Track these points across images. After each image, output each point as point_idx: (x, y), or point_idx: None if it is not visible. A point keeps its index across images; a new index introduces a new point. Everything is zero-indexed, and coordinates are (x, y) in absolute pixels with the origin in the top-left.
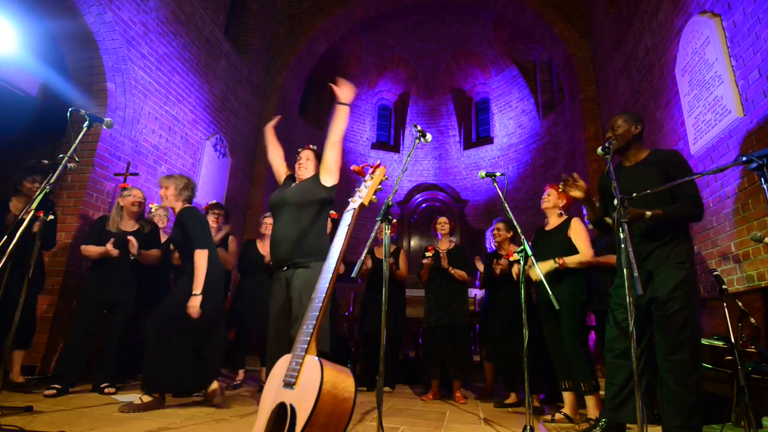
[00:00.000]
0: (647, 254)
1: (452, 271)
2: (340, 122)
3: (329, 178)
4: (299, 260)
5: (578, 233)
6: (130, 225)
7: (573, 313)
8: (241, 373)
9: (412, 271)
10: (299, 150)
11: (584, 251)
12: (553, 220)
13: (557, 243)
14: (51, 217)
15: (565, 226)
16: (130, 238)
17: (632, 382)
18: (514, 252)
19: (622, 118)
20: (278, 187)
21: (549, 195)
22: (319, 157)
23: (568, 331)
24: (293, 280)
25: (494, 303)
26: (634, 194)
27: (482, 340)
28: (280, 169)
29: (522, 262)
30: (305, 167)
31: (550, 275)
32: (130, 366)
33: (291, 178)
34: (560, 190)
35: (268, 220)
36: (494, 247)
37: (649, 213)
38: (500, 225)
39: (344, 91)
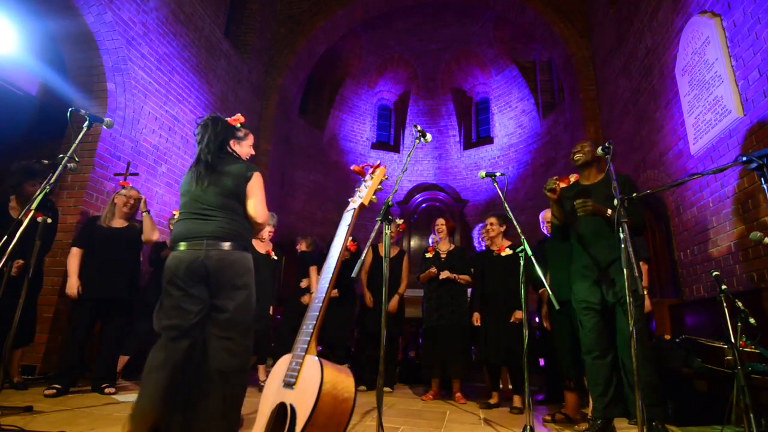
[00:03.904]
0: (608, 264)
1: (459, 279)
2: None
3: None
4: None
5: None
6: (120, 223)
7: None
8: None
9: (413, 271)
10: None
11: None
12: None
13: None
14: (49, 220)
15: None
16: None
17: (614, 377)
18: (506, 247)
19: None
20: None
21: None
22: None
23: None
24: None
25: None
26: (635, 194)
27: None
28: None
29: (522, 262)
30: None
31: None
32: (131, 366)
33: None
34: (548, 189)
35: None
36: (484, 245)
37: (609, 212)
38: (493, 219)
39: None
